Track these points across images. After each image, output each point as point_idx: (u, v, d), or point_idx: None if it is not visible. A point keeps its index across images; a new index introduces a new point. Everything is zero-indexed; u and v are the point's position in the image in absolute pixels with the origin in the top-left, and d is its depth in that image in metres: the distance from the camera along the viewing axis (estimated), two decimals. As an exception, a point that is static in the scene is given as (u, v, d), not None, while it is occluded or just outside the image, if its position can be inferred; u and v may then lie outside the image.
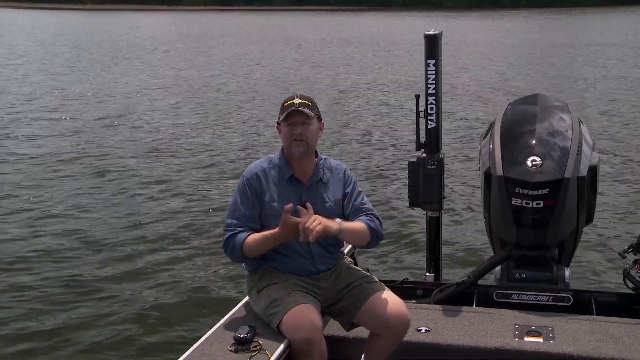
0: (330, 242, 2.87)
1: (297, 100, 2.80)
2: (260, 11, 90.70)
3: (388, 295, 2.79)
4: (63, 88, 17.12)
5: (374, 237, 2.87)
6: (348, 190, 2.93)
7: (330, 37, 39.31)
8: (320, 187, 2.88)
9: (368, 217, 2.90)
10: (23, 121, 12.78)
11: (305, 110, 2.78)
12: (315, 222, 2.62)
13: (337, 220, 2.75)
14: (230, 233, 2.80)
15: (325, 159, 2.96)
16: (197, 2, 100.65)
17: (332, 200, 2.88)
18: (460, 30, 43.25)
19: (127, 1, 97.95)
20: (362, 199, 2.96)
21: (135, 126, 12.59)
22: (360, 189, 3.01)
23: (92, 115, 13.56)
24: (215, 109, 14.59)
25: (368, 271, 3.04)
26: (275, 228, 2.72)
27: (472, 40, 35.29)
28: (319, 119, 2.88)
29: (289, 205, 2.65)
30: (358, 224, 2.84)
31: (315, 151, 2.92)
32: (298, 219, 2.65)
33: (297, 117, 2.78)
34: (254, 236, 2.77)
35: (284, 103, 2.84)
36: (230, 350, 2.56)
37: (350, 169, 3.04)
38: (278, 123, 2.86)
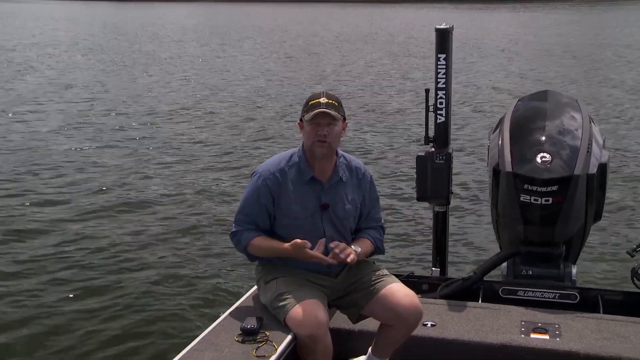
0: (343, 241, 2.87)
1: (323, 100, 2.73)
2: (286, 3, 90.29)
3: (400, 287, 2.80)
4: (94, 82, 17.16)
5: (375, 253, 3.00)
6: (366, 194, 2.95)
7: (352, 29, 39.09)
8: (340, 188, 2.87)
9: (377, 232, 2.98)
10: (52, 114, 12.82)
11: (332, 112, 2.72)
12: (344, 255, 2.69)
13: (354, 248, 2.80)
14: (238, 229, 2.84)
15: (344, 156, 2.93)
16: None
17: (351, 202, 2.89)
18: (481, 23, 42.92)
19: None
20: (378, 208, 3.01)
21: (158, 119, 12.63)
22: (377, 194, 3.04)
23: (122, 108, 13.66)
24: (238, 104, 14.59)
25: (374, 264, 3.04)
26: (292, 229, 2.78)
27: (492, 33, 34.99)
28: (344, 119, 2.82)
29: (309, 244, 2.68)
30: (369, 247, 2.92)
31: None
32: (312, 253, 2.69)
33: (322, 118, 2.73)
34: (261, 242, 2.80)
35: (309, 101, 2.77)
36: (237, 341, 2.58)
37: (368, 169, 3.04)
38: (300, 120, 2.81)
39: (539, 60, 22.62)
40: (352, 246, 2.81)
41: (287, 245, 2.72)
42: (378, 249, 2.98)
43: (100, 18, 48.71)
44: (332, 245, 2.71)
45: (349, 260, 2.70)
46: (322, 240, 2.73)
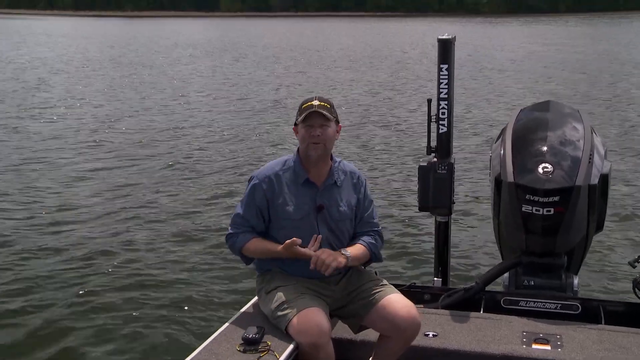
0: (341, 246, 2.90)
1: (315, 102, 2.80)
2: (296, 17, 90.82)
3: (399, 298, 2.80)
4: (104, 97, 17.26)
5: (371, 260, 2.98)
6: (361, 197, 2.96)
7: (362, 42, 39.09)
8: (335, 191, 2.90)
9: (372, 238, 2.97)
10: (63, 128, 12.88)
11: (324, 112, 2.78)
12: (328, 260, 2.68)
13: (343, 251, 2.81)
14: (234, 231, 2.90)
15: (340, 161, 2.97)
16: (233, 8, 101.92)
17: (346, 205, 2.90)
18: (491, 36, 42.94)
19: (165, 7, 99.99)
20: (373, 211, 3.02)
21: (165, 131, 12.70)
22: (371, 198, 3.05)
23: (131, 119, 13.81)
24: (240, 116, 14.66)
25: (376, 274, 3.05)
26: (287, 231, 2.79)
27: (499, 45, 34.98)
28: (337, 122, 2.87)
29: (299, 241, 2.72)
30: (362, 251, 2.90)
31: (330, 154, 2.92)
32: (304, 250, 2.72)
33: (315, 119, 2.78)
34: (256, 243, 2.85)
35: (302, 105, 2.84)
36: (239, 350, 2.58)
37: (363, 174, 3.06)
38: (295, 124, 2.86)
39: (544, 72, 22.59)
40: (342, 250, 2.81)
41: (280, 247, 2.76)
42: (374, 255, 2.97)
43: (111, 34, 48.81)
44: (315, 254, 2.71)
45: (326, 274, 2.71)
46: (318, 237, 2.76)
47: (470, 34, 43.33)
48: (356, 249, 2.88)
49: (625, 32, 48.65)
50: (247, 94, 17.75)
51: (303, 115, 2.79)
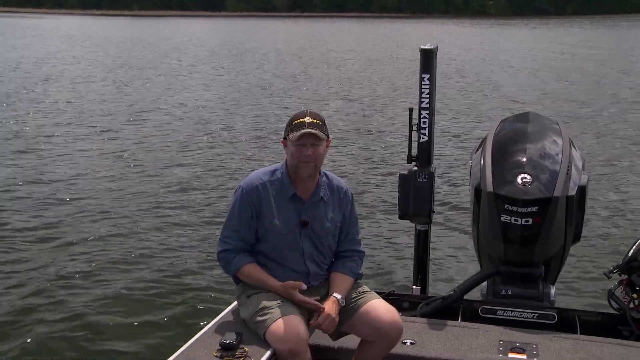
0: (324, 261, 2.91)
1: (308, 120, 2.74)
2: (301, 17, 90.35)
3: (382, 303, 2.81)
4: (106, 97, 17.16)
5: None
6: (346, 213, 2.96)
7: (363, 45, 38.94)
8: (321, 206, 2.88)
9: (354, 261, 2.96)
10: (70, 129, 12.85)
11: (317, 132, 2.74)
12: (329, 322, 2.71)
13: (337, 297, 2.79)
14: (227, 247, 2.84)
15: (326, 175, 2.94)
16: (239, 8, 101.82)
17: (330, 221, 2.90)
18: (490, 40, 42.97)
19: (172, 7, 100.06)
20: (357, 228, 3.01)
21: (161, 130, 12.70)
22: (357, 215, 3.04)
23: (125, 122, 13.75)
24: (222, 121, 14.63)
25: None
26: (274, 243, 2.80)
27: (495, 50, 34.98)
28: (327, 137, 2.83)
29: (304, 287, 2.73)
30: (348, 284, 2.88)
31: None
32: (301, 297, 2.73)
33: (307, 139, 2.74)
34: (252, 271, 2.81)
35: (293, 120, 2.78)
36: (216, 356, 2.57)
37: (349, 188, 3.05)
38: (284, 138, 2.82)
39: (530, 80, 22.64)
40: (336, 296, 2.79)
41: (278, 284, 2.75)
42: (354, 279, 2.96)
43: (118, 33, 48.28)
44: (316, 321, 2.72)
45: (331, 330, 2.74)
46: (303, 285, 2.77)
47: (470, 37, 43.23)
48: (345, 285, 2.86)
49: (631, 35, 48.92)
50: (242, 100, 17.62)
51: (296, 134, 2.73)
